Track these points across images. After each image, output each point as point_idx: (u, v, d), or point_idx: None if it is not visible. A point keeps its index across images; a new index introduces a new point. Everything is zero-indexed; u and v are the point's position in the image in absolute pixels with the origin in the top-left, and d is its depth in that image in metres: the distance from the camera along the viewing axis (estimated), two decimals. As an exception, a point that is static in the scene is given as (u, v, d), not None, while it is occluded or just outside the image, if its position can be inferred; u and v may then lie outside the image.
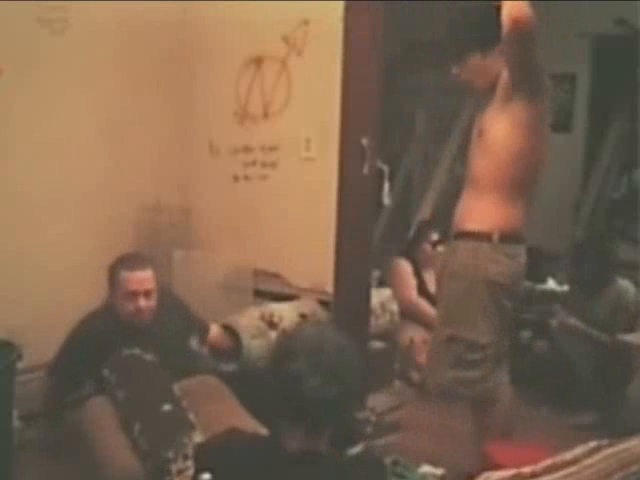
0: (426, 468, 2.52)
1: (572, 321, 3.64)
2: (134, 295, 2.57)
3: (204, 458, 1.66)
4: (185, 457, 2.12)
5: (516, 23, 2.10)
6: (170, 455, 2.13)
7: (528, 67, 2.23)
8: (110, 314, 2.64)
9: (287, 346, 1.58)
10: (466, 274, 2.38)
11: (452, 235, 2.50)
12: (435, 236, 4.07)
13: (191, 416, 2.29)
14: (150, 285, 2.61)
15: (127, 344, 2.51)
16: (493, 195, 2.36)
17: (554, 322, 3.76)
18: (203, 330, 2.91)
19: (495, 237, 2.35)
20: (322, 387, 1.48)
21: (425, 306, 3.94)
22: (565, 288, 4.13)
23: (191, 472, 1.82)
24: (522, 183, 2.37)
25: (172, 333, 2.68)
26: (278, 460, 1.54)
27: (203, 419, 2.28)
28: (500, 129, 2.33)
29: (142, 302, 2.58)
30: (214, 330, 2.97)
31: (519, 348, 3.58)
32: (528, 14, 2.10)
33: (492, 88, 2.37)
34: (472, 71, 2.45)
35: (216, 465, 1.57)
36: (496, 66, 2.33)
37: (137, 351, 2.47)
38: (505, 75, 2.30)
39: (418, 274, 4.11)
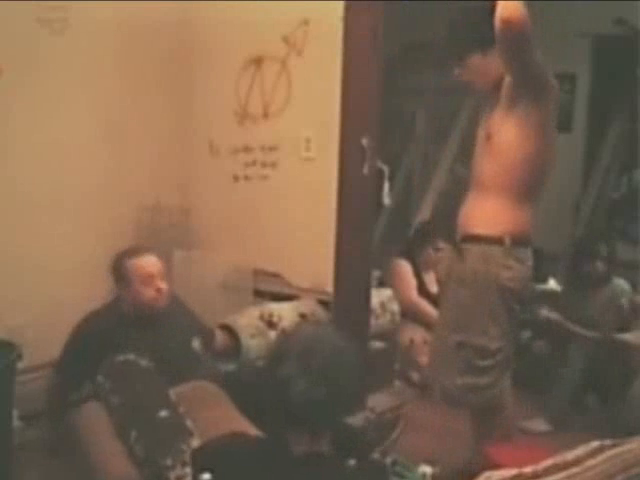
0: (424, 468, 2.52)
1: (554, 316, 3.64)
2: (151, 278, 2.59)
3: (205, 460, 1.65)
4: (183, 464, 2.07)
5: (507, 23, 2.06)
6: (168, 462, 2.09)
7: (526, 68, 2.21)
8: (113, 312, 2.64)
9: (279, 348, 1.59)
10: (476, 280, 2.35)
11: (458, 238, 2.47)
12: (439, 242, 4.02)
13: (188, 422, 2.26)
14: (161, 267, 2.64)
15: (131, 341, 2.50)
16: (502, 198, 2.34)
17: (541, 314, 3.75)
18: (208, 336, 2.90)
19: (507, 241, 2.32)
20: (310, 390, 1.48)
21: (426, 306, 3.94)
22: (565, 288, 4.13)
23: (189, 480, 1.81)
24: (530, 186, 2.36)
25: (176, 335, 2.67)
26: (279, 462, 1.54)
27: (200, 425, 2.25)
28: (507, 133, 2.31)
29: (161, 284, 2.61)
30: (219, 337, 2.96)
31: (519, 348, 3.59)
32: (520, 14, 2.05)
33: (495, 88, 2.36)
34: (473, 71, 2.43)
35: (217, 466, 1.57)
36: (497, 66, 2.31)
37: (131, 356, 2.43)
38: (507, 78, 2.29)
39: (418, 275, 4.11)
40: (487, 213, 2.37)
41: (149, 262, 2.64)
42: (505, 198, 2.34)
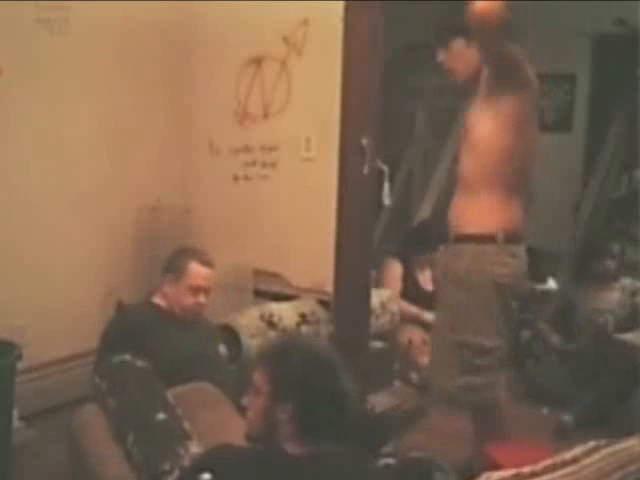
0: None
1: (554, 339, 3.68)
2: (199, 290, 2.59)
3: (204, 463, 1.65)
4: (181, 468, 2.08)
5: (481, 15, 2.08)
6: (166, 467, 2.07)
7: (501, 59, 2.22)
8: (149, 308, 2.62)
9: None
10: (472, 279, 2.34)
11: (451, 239, 2.47)
12: (436, 241, 4.00)
13: (186, 425, 2.23)
14: (213, 284, 2.64)
15: (161, 339, 2.49)
16: (487, 196, 2.33)
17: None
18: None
19: (499, 238, 2.32)
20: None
21: (408, 306, 3.90)
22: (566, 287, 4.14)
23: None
24: (514, 182, 2.34)
25: (204, 337, 2.68)
26: (277, 462, 1.54)
27: (198, 428, 2.22)
28: (484, 127, 2.31)
29: (203, 298, 2.60)
30: None
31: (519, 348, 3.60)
32: (494, 8, 2.06)
33: (475, 82, 2.36)
34: (456, 58, 2.44)
35: (216, 466, 1.57)
36: (478, 56, 2.32)
37: (128, 357, 2.41)
38: (485, 70, 2.30)
39: (411, 274, 4.07)
40: (477, 211, 2.36)
41: (207, 275, 2.62)
42: (492, 195, 2.33)
